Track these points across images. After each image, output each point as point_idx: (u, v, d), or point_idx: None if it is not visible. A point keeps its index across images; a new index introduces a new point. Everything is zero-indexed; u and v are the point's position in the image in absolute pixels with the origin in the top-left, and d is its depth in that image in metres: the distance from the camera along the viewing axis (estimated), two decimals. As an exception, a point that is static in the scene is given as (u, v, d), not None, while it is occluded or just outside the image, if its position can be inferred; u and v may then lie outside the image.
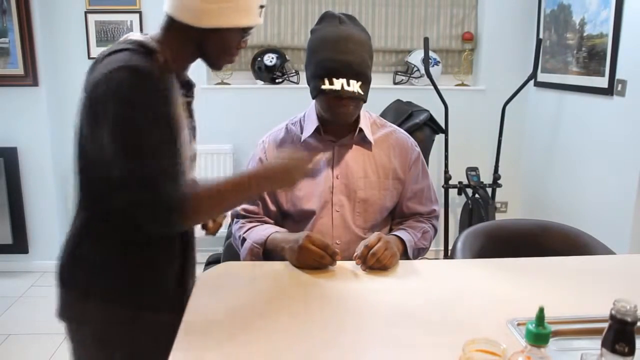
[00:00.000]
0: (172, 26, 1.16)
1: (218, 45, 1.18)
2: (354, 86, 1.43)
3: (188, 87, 1.24)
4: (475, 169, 3.23)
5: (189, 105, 1.24)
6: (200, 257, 3.18)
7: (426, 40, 3.01)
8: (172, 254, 1.24)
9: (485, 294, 1.28)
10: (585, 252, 1.63)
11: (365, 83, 1.46)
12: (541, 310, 0.80)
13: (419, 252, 1.62)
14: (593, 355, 0.86)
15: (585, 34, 2.81)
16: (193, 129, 1.28)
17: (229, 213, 1.61)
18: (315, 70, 1.47)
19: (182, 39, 1.16)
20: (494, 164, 3.25)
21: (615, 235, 2.47)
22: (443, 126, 3.02)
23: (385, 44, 3.42)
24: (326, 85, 1.44)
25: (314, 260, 1.37)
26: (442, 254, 3.38)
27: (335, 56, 1.43)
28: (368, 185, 1.58)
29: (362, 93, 1.45)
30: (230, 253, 1.86)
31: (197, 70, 3.19)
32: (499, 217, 3.33)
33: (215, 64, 1.23)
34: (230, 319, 1.12)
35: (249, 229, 1.59)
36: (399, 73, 3.43)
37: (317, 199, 1.57)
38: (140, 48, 1.11)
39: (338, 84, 1.43)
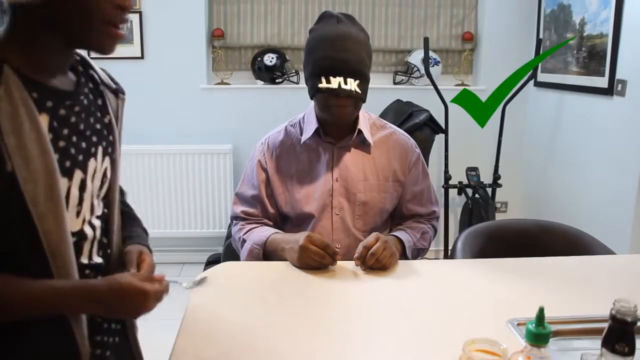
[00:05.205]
0: (18, 19, 0.84)
1: (81, 16, 0.84)
2: (352, 84, 1.43)
3: (65, 93, 0.90)
4: (475, 169, 3.23)
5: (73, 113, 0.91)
6: (200, 257, 3.23)
7: (426, 40, 3.00)
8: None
9: (485, 294, 1.28)
10: (585, 252, 1.63)
11: (363, 82, 1.45)
12: (541, 310, 0.80)
13: (418, 253, 1.62)
14: (593, 355, 0.86)
15: (585, 34, 2.81)
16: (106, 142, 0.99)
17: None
18: (313, 69, 1.46)
19: (34, 31, 0.85)
20: (494, 164, 3.25)
21: (615, 235, 2.46)
22: (443, 126, 3.02)
23: (385, 44, 3.42)
24: (323, 84, 1.43)
25: (315, 260, 1.37)
26: (442, 254, 3.38)
27: (333, 54, 1.43)
28: (368, 188, 1.57)
29: (360, 92, 1.44)
30: (230, 253, 1.87)
31: (197, 70, 3.25)
32: (499, 217, 3.32)
33: (95, 45, 0.88)
34: (230, 319, 1.12)
35: (249, 230, 1.59)
36: (399, 73, 3.43)
37: (316, 202, 1.56)
38: None
39: (335, 82, 1.42)
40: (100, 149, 0.97)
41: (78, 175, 0.91)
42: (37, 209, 0.83)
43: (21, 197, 0.81)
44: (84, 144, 0.93)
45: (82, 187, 0.92)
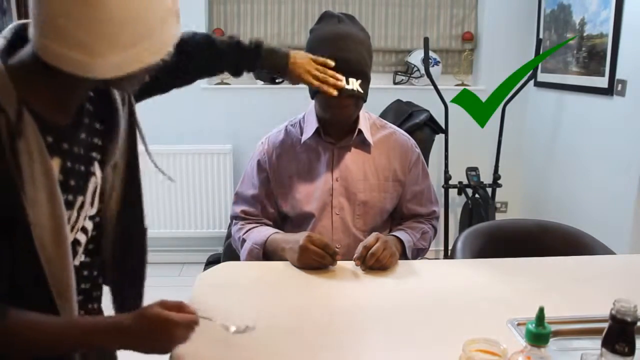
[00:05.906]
0: (49, 69, 0.79)
1: (127, 84, 0.90)
2: (353, 84, 1.43)
3: (75, 128, 0.90)
4: (475, 169, 3.23)
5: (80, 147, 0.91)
6: (200, 257, 3.23)
7: (426, 40, 3.00)
8: None
9: (485, 294, 1.28)
10: (585, 252, 1.63)
11: (365, 81, 1.46)
12: (541, 310, 0.80)
13: (418, 253, 1.62)
14: (593, 355, 0.86)
15: (585, 34, 2.81)
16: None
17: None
18: None
19: (66, 85, 0.84)
20: (494, 164, 3.25)
21: (615, 235, 2.46)
22: (443, 126, 3.02)
23: (385, 44, 3.41)
24: None
25: (315, 260, 1.37)
26: (442, 254, 3.38)
27: (334, 54, 1.43)
28: (368, 188, 1.57)
29: (362, 91, 1.44)
30: (230, 253, 1.86)
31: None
32: (499, 217, 3.32)
33: (132, 90, 0.98)
34: (230, 318, 1.12)
35: (249, 230, 1.59)
36: (399, 73, 3.43)
37: (316, 202, 1.56)
38: None
39: None
40: (96, 164, 0.96)
41: (79, 200, 0.91)
42: (45, 253, 0.82)
43: (32, 243, 0.81)
44: (83, 168, 0.92)
45: (81, 206, 0.92)
